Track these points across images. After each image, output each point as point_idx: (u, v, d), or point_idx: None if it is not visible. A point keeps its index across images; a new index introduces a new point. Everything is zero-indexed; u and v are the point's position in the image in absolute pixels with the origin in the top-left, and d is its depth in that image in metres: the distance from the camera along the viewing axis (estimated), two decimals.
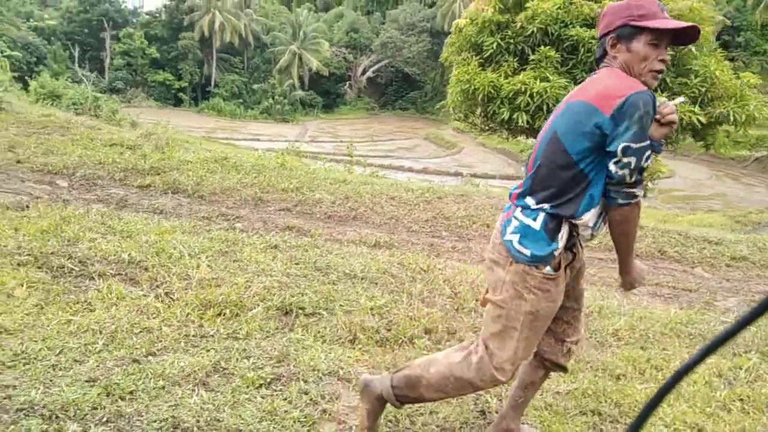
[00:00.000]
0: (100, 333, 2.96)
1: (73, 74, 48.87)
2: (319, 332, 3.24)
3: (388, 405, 2.26)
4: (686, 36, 1.98)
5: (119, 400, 2.42)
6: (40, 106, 18.63)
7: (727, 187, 29.88)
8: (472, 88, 10.95)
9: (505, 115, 10.62)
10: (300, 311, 3.49)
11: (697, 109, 9.71)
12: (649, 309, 4.11)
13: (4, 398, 2.35)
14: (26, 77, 30.69)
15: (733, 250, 5.78)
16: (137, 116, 20.34)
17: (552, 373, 2.51)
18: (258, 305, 3.47)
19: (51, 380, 2.52)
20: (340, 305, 3.59)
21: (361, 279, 4.06)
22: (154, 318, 3.19)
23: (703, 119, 9.69)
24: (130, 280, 3.71)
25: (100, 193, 5.79)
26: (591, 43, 10.03)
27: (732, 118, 10.02)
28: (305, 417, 2.44)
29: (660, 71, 1.97)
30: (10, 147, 6.83)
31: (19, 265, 3.72)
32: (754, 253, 5.78)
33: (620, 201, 1.92)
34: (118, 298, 3.38)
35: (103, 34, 51.87)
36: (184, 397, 2.48)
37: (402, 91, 59.21)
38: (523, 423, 2.48)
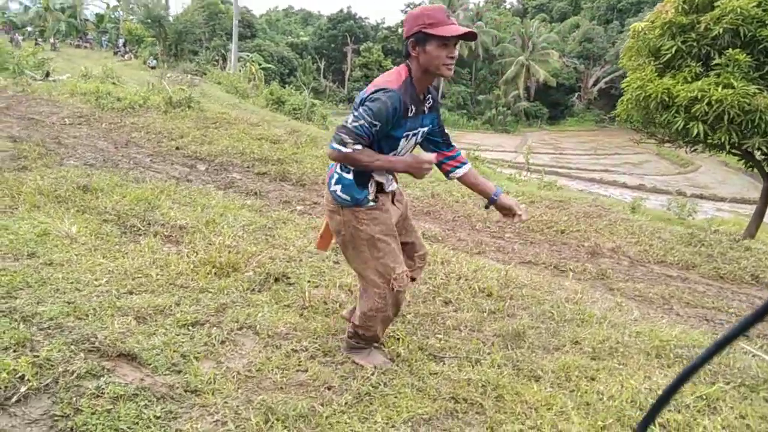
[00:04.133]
0: (110, 274, 3.71)
1: (318, 84, 54.76)
2: (280, 298, 3.62)
3: None
4: (468, 37, 2.38)
5: (72, 317, 3.10)
6: (268, 110, 21.48)
7: None
8: (644, 95, 10.23)
9: (680, 125, 9.76)
10: (285, 279, 3.90)
11: None
12: (657, 325, 3.69)
13: (16, 303, 3.17)
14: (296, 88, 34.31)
15: None
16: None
17: (459, 361, 3.05)
18: (251, 271, 3.96)
19: (45, 298, 3.29)
20: (322, 280, 3.92)
21: None
22: (159, 268, 3.86)
23: None
24: (173, 240, 4.48)
25: (224, 176, 6.81)
26: None
27: None
28: (196, 351, 2.87)
29: (451, 64, 2.42)
30: (179, 136, 8.29)
31: (104, 221, 4.73)
32: None
33: (330, 144, 2.41)
34: (150, 251, 4.14)
35: (345, 49, 57.22)
36: (115, 323, 3.06)
37: None
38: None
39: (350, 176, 2.57)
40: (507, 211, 2.84)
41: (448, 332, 3.37)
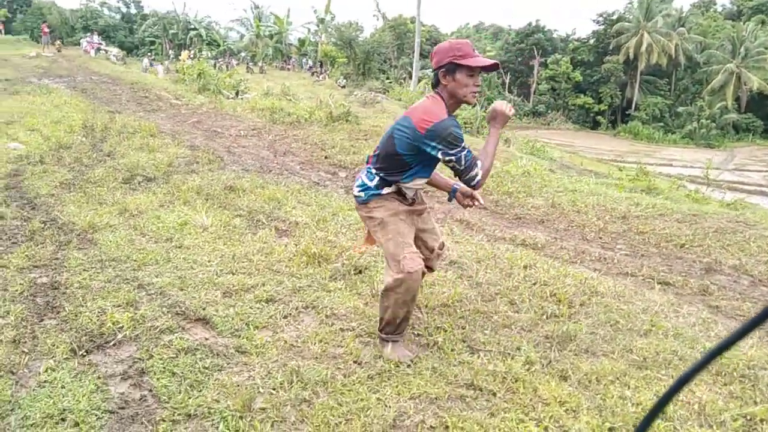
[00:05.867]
0: (222, 257, 4.39)
1: (503, 98, 54.43)
2: (354, 286, 4.00)
3: None
4: (492, 68, 2.77)
5: (176, 287, 3.77)
6: None
7: None
8: None
9: None
10: (366, 272, 4.28)
11: None
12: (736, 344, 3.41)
13: (140, 274, 3.96)
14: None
15: None
16: (512, 134, 22.39)
17: (493, 354, 3.17)
18: (340, 262, 4.39)
19: (164, 272, 4.03)
20: None
21: (450, 263, 4.53)
22: (264, 255, 4.46)
23: None
24: (286, 233, 5.08)
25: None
26: None
27: None
28: (258, 322, 3.35)
29: (476, 91, 2.79)
30: (330, 147, 9.11)
31: (237, 215, 5.50)
32: None
33: (472, 184, 2.82)
34: (261, 241, 4.77)
35: (532, 62, 56.33)
36: (207, 296, 3.67)
37: None
38: None
39: (374, 183, 2.96)
40: (470, 199, 3.15)
41: (498, 330, 3.48)
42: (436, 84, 2.82)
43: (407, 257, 2.84)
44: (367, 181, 2.98)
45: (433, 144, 2.71)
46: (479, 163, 2.76)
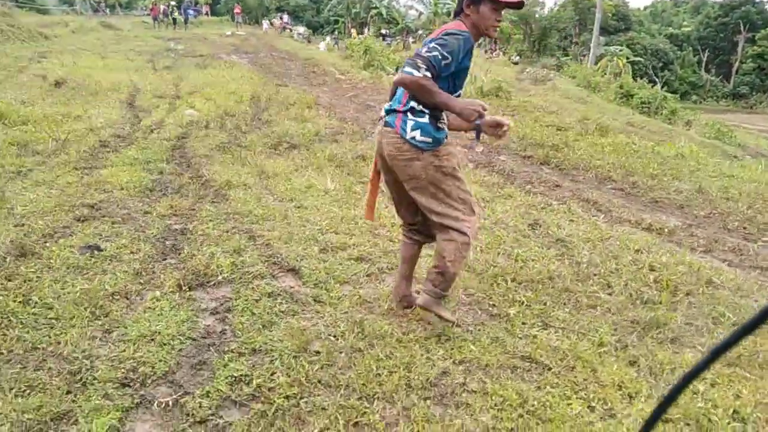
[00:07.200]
0: (332, 218, 4.66)
1: (698, 78, 49.54)
2: None
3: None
4: (517, 5, 2.68)
5: (281, 241, 4.11)
6: (615, 103, 20.86)
7: None
8: None
9: None
10: None
11: None
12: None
13: (256, 227, 4.37)
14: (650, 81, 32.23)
15: None
16: (695, 116, 20.35)
17: (565, 333, 3.08)
18: None
19: (276, 227, 4.39)
20: (493, 246, 4.18)
21: (556, 241, 4.38)
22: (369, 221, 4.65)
23: None
24: None
25: (492, 156, 7.33)
26: None
27: None
28: (343, 277, 3.56)
29: (497, 26, 2.72)
30: None
31: (360, 182, 5.78)
32: None
33: (401, 69, 2.56)
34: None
35: (737, 38, 50.29)
36: (306, 250, 3.95)
37: None
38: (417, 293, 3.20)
39: (426, 120, 2.66)
40: (497, 127, 2.72)
41: (581, 309, 3.34)
42: (458, 12, 2.71)
43: (469, 206, 2.82)
44: (420, 120, 2.66)
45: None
46: (429, 75, 2.45)
